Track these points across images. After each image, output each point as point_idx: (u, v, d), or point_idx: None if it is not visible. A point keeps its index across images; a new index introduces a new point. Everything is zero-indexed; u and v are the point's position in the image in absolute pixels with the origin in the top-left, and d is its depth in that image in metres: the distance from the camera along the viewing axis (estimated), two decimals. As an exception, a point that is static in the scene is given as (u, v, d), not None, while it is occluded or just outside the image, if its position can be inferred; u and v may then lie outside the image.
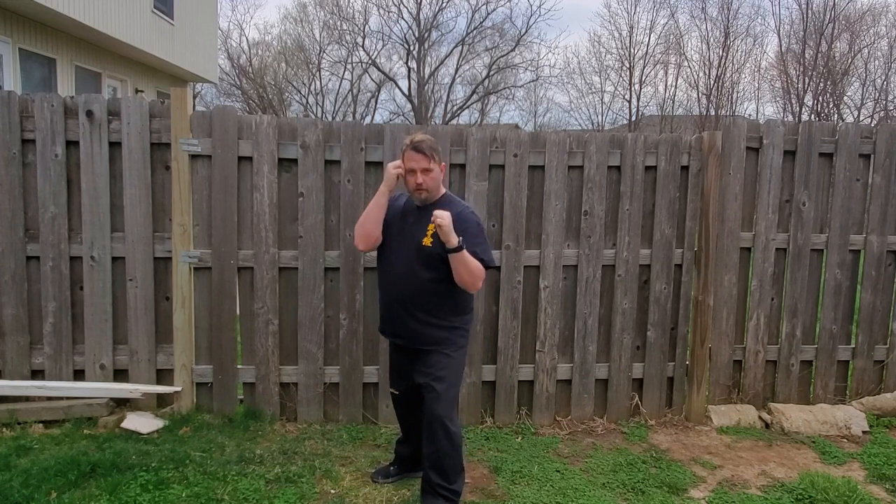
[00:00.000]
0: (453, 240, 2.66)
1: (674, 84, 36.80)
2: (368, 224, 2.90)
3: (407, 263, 2.83)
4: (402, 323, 2.91)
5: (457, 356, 2.93)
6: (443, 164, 2.92)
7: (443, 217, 2.64)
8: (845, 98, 24.72)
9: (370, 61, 28.98)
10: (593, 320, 4.05)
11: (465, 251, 2.69)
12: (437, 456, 2.87)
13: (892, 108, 23.60)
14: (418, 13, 28.63)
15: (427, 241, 2.79)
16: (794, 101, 25.05)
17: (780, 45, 26.82)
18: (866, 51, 24.08)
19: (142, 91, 13.60)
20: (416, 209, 2.90)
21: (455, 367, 2.92)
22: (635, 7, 40.80)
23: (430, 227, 2.75)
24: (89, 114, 3.65)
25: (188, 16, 14.47)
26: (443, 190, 2.95)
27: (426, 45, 29.06)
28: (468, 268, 2.72)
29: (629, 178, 3.99)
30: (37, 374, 3.76)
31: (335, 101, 29.89)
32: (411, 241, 2.83)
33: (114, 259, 3.75)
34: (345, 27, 28.98)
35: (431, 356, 2.88)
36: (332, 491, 3.11)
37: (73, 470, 3.05)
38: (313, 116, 25.55)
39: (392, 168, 2.83)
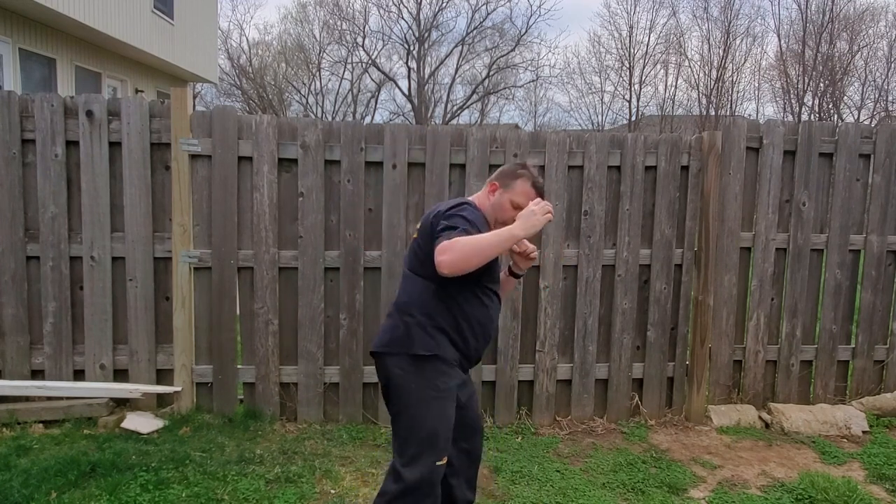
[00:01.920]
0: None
1: (674, 84, 36.83)
2: (479, 261, 2.14)
3: (497, 290, 2.48)
4: (482, 351, 2.48)
5: None
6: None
7: (530, 246, 2.43)
8: (845, 98, 24.74)
9: (370, 61, 29.01)
10: (593, 320, 4.05)
11: None
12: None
13: (892, 108, 23.60)
14: (418, 13, 28.66)
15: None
16: (794, 101, 25.07)
17: (780, 45, 26.84)
18: (866, 51, 24.10)
19: (142, 91, 13.60)
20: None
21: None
22: (635, 7, 40.90)
23: None
24: (89, 114, 3.65)
25: (188, 16, 14.47)
26: None
27: (426, 45, 29.09)
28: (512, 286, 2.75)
29: (629, 178, 3.99)
30: (37, 374, 3.76)
31: (335, 101, 29.92)
32: (498, 266, 2.46)
33: (114, 259, 3.75)
34: (345, 27, 29.03)
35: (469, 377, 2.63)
36: (332, 491, 3.11)
37: (73, 470, 3.05)
38: (313, 116, 25.55)
39: (542, 211, 2.20)
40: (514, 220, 2.23)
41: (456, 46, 28.98)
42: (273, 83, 29.36)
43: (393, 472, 2.28)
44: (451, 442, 2.34)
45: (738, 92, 27.25)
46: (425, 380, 2.28)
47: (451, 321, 2.31)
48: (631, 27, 28.22)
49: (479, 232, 2.20)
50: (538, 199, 2.25)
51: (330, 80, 30.24)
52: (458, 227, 2.17)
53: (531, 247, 2.42)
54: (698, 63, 27.45)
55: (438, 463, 2.27)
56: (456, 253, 2.09)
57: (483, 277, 2.32)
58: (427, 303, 2.31)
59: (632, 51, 28.05)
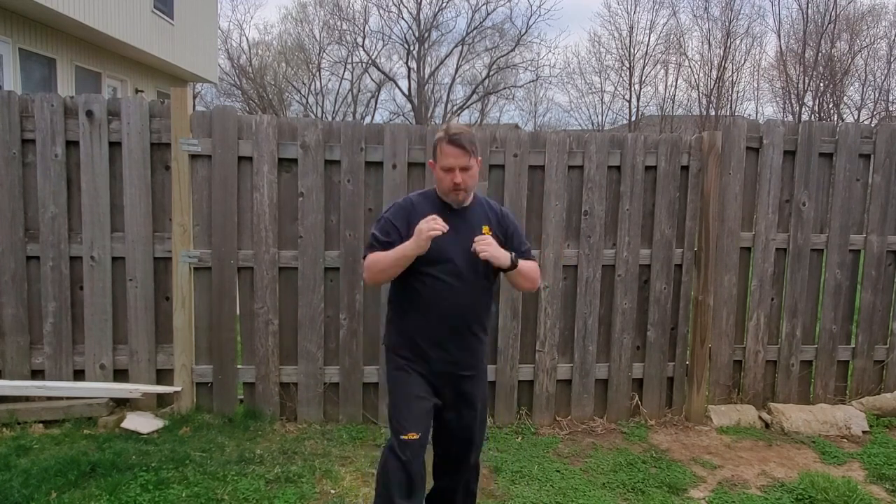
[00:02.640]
0: (506, 260, 2.37)
1: (674, 84, 36.84)
2: (384, 276, 2.44)
3: (464, 277, 2.41)
4: (452, 343, 2.46)
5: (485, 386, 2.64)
6: (479, 158, 2.50)
7: (485, 249, 2.31)
8: (845, 98, 24.75)
9: (370, 61, 29.00)
10: (593, 320, 4.05)
11: (520, 262, 2.42)
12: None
13: (892, 108, 23.61)
14: (418, 13, 28.65)
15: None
16: (793, 101, 25.07)
17: (780, 45, 26.84)
18: (866, 51, 24.10)
19: (142, 91, 13.60)
20: (449, 212, 2.42)
21: (485, 401, 2.64)
22: (635, 7, 40.77)
23: (486, 229, 2.44)
24: (89, 114, 3.65)
25: (188, 16, 14.47)
26: None
27: (426, 45, 29.08)
28: (527, 276, 2.48)
29: (629, 178, 3.99)
30: (37, 374, 3.76)
31: (335, 101, 29.91)
32: (463, 249, 2.38)
33: (114, 259, 3.75)
34: (345, 27, 29.02)
35: (468, 388, 2.52)
36: (332, 491, 3.11)
37: (73, 470, 3.05)
38: (313, 116, 25.56)
39: (427, 229, 2.25)
40: (454, 186, 2.36)
41: (456, 46, 29.00)
42: (273, 83, 29.36)
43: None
44: (417, 420, 2.40)
45: (738, 92, 27.28)
46: (387, 370, 2.57)
47: (399, 311, 2.52)
48: (631, 27, 28.24)
49: (389, 237, 2.41)
50: (428, 217, 2.28)
51: (330, 80, 30.27)
52: (369, 244, 2.49)
53: (476, 246, 2.34)
54: (698, 63, 27.47)
55: (403, 437, 2.35)
56: (366, 273, 2.49)
57: (420, 266, 2.38)
58: (390, 300, 2.60)
59: (632, 51, 28.07)
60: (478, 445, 2.62)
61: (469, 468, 2.63)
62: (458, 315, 2.44)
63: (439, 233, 2.25)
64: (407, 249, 2.31)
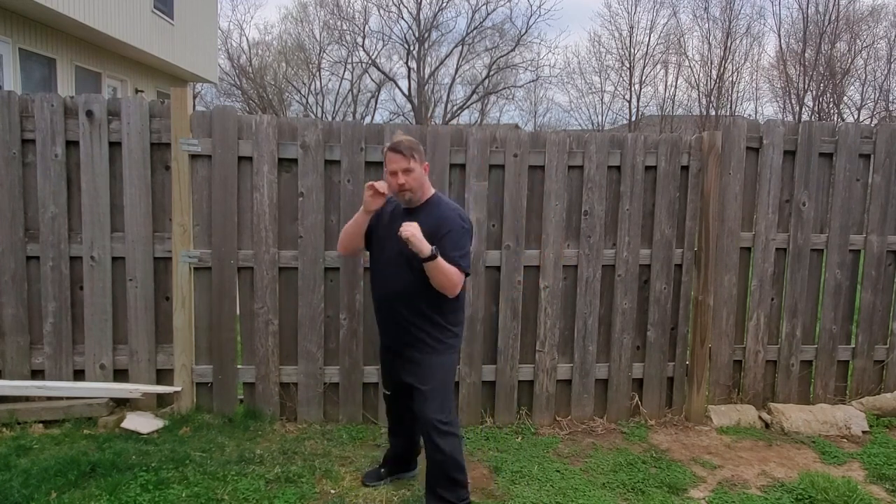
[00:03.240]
0: (425, 250, 2.62)
1: (674, 84, 36.84)
2: (345, 238, 3.04)
3: (394, 265, 2.82)
4: (390, 323, 2.93)
5: (445, 358, 2.88)
6: (426, 163, 2.88)
7: (408, 230, 2.61)
8: (845, 98, 24.75)
9: (370, 61, 29.01)
10: (593, 320, 4.05)
11: (439, 259, 2.65)
12: (432, 463, 2.87)
13: (892, 108, 23.61)
14: (418, 13, 28.66)
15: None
16: (793, 101, 25.07)
17: (780, 45, 26.84)
18: (866, 51, 24.10)
19: (142, 91, 13.60)
20: (404, 213, 2.84)
21: (442, 368, 2.87)
22: (635, 7, 40.86)
23: (416, 225, 2.72)
24: (89, 114, 3.65)
25: (188, 16, 14.47)
26: (431, 191, 2.91)
27: (426, 45, 29.09)
28: (444, 274, 2.69)
29: (629, 178, 3.99)
30: (37, 374, 3.76)
31: (335, 101, 29.92)
32: (400, 244, 2.70)
33: (114, 259, 3.75)
34: (345, 27, 29.03)
35: (416, 356, 2.86)
36: (332, 491, 3.11)
37: (73, 470, 3.05)
38: (313, 116, 25.55)
39: (369, 194, 2.81)
40: (399, 187, 2.78)
41: (456, 46, 29.00)
42: (273, 83, 29.37)
43: None
44: (388, 380, 3.12)
45: (738, 92, 27.27)
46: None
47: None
48: (631, 27, 28.25)
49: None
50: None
51: (330, 80, 30.28)
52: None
53: (401, 229, 2.64)
54: (698, 63, 27.47)
55: (384, 391, 3.20)
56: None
57: (371, 251, 3.01)
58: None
59: (632, 51, 28.08)
60: (431, 399, 2.84)
61: (425, 421, 2.84)
62: (393, 300, 2.86)
63: (377, 185, 2.79)
64: (359, 210, 2.92)
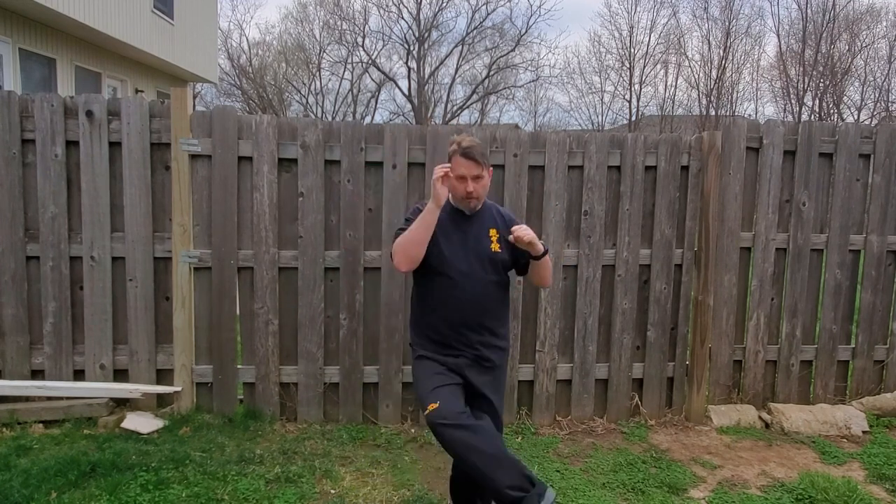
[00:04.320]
0: (540, 246, 2.60)
1: (674, 84, 36.83)
2: (417, 248, 2.54)
3: (477, 273, 2.62)
4: (464, 336, 2.64)
5: (504, 373, 2.82)
6: (490, 168, 2.73)
7: (526, 232, 2.55)
8: (845, 98, 24.74)
9: (370, 61, 29.01)
10: (593, 320, 4.05)
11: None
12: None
13: (892, 108, 23.60)
14: (418, 13, 28.65)
15: (496, 248, 2.67)
16: (793, 102, 25.07)
17: (780, 46, 26.85)
18: (866, 51, 24.10)
19: (142, 91, 13.60)
20: (462, 216, 2.68)
21: (503, 386, 2.81)
22: (635, 7, 40.81)
23: (493, 231, 2.68)
24: (89, 114, 3.65)
25: (188, 16, 14.47)
26: None
27: (426, 45, 29.09)
28: (549, 268, 2.73)
29: (629, 178, 3.99)
30: (37, 374, 3.76)
31: (335, 101, 29.92)
32: (478, 248, 2.63)
33: (114, 259, 3.75)
34: (345, 27, 29.02)
35: (493, 372, 2.68)
36: (332, 491, 3.11)
37: (73, 470, 3.05)
38: (313, 116, 25.55)
39: (440, 183, 2.47)
40: (467, 194, 2.58)
41: (456, 46, 29.01)
42: (273, 83, 29.37)
43: None
44: (436, 395, 2.54)
45: (738, 92, 27.27)
46: (413, 363, 2.74)
47: (414, 311, 2.78)
48: (631, 27, 28.24)
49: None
50: (438, 167, 2.50)
51: (330, 80, 30.29)
52: (397, 233, 2.64)
53: (517, 233, 2.56)
54: (698, 63, 27.49)
55: (430, 406, 2.51)
56: (395, 254, 2.58)
57: (433, 261, 2.59)
58: (411, 300, 2.80)
59: (632, 51, 28.07)
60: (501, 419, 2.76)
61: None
62: (467, 311, 2.62)
63: (444, 170, 2.48)
64: (429, 204, 2.50)
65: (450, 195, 2.65)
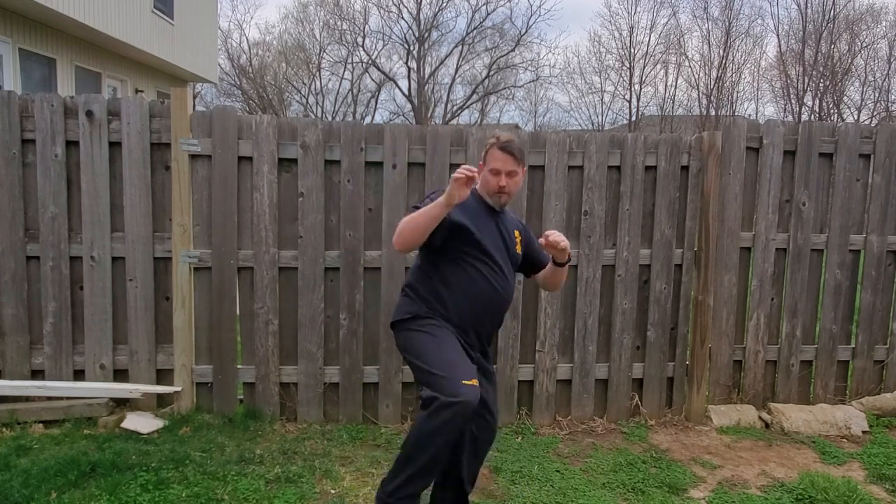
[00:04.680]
0: (567, 254, 2.64)
1: (674, 84, 36.80)
2: (416, 234, 2.40)
3: (506, 270, 2.63)
4: (483, 330, 2.65)
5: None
6: (525, 168, 2.70)
7: (560, 236, 2.55)
8: (845, 98, 24.74)
9: (370, 61, 29.00)
10: (593, 320, 4.05)
11: None
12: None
13: (892, 108, 23.60)
14: (418, 13, 28.65)
15: (519, 249, 2.73)
16: (794, 102, 25.06)
17: (780, 46, 26.85)
18: (866, 51, 24.09)
19: (142, 91, 13.60)
20: (489, 211, 2.64)
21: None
22: (635, 7, 40.79)
23: (517, 234, 2.73)
24: (89, 114, 3.65)
25: (188, 16, 14.47)
26: None
27: (426, 45, 29.09)
28: (567, 272, 2.80)
29: (629, 178, 3.99)
30: (37, 374, 3.76)
31: (335, 101, 29.92)
32: (505, 245, 2.65)
33: (114, 259, 3.75)
34: (345, 27, 29.02)
35: (490, 377, 2.75)
36: (332, 491, 3.11)
37: (73, 470, 3.05)
38: (313, 116, 25.55)
39: (461, 184, 2.25)
40: (499, 188, 2.57)
41: (456, 46, 29.00)
42: (273, 83, 29.36)
43: (420, 402, 2.41)
44: (470, 368, 2.41)
45: (738, 92, 27.26)
46: (411, 330, 2.55)
47: (431, 288, 2.57)
48: (631, 27, 28.24)
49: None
50: (462, 167, 2.30)
51: (330, 80, 30.28)
52: (410, 210, 2.52)
53: (553, 238, 2.54)
54: (698, 63, 27.48)
55: (465, 381, 2.30)
56: (397, 234, 2.45)
57: (467, 247, 2.52)
58: (414, 274, 2.66)
59: (632, 51, 28.07)
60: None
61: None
62: (492, 307, 2.59)
63: (471, 174, 2.25)
64: (442, 198, 2.30)
65: (476, 185, 2.53)
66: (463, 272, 2.53)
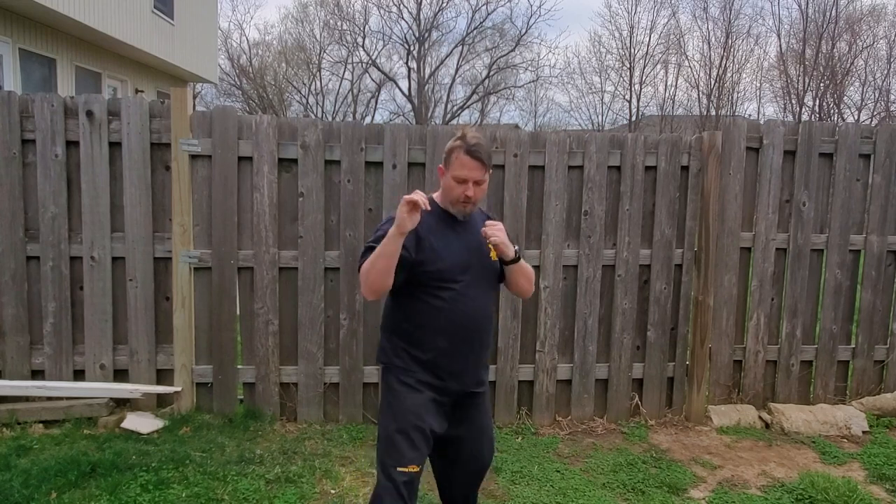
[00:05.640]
0: (511, 251, 2.26)
1: (674, 84, 36.80)
2: (380, 278, 2.15)
3: (475, 285, 2.31)
4: (466, 363, 2.34)
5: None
6: (491, 171, 2.37)
7: (496, 230, 2.22)
8: (845, 98, 24.73)
9: (370, 61, 28.99)
10: (593, 320, 4.05)
11: (521, 259, 2.34)
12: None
13: (892, 108, 23.60)
14: (418, 13, 28.63)
15: (494, 256, 2.33)
16: (794, 102, 25.05)
17: (780, 46, 26.83)
18: (866, 52, 24.08)
19: (142, 91, 13.59)
20: (452, 222, 2.32)
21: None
22: (636, 7, 40.73)
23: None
24: (89, 114, 3.65)
25: (188, 16, 14.47)
26: None
27: (426, 45, 29.07)
28: (526, 273, 2.37)
29: (629, 178, 3.99)
30: (37, 374, 3.76)
31: (335, 101, 29.90)
32: (478, 257, 2.31)
33: (114, 259, 3.75)
34: (345, 27, 29.00)
35: (480, 397, 2.43)
36: (332, 491, 3.11)
37: (73, 470, 3.05)
38: (313, 116, 25.55)
39: (407, 210, 2.05)
40: (465, 199, 2.23)
41: (456, 46, 28.96)
42: (273, 83, 29.35)
43: None
44: (419, 451, 2.22)
45: (738, 92, 27.25)
46: (385, 381, 2.36)
47: (399, 328, 2.34)
48: (631, 27, 28.22)
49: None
50: (413, 194, 2.08)
51: (330, 80, 30.26)
52: (361, 255, 2.26)
53: (485, 230, 2.24)
54: (699, 63, 27.45)
55: (400, 469, 2.16)
56: (362, 284, 2.21)
57: (429, 278, 2.24)
58: (387, 316, 2.41)
59: (632, 51, 28.05)
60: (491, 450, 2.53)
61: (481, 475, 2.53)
62: (465, 334, 2.30)
63: (417, 199, 2.04)
64: (392, 229, 2.08)
65: (434, 196, 2.34)
66: (425, 305, 2.27)
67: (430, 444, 2.28)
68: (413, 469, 2.18)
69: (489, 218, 2.39)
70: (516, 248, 2.32)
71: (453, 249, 2.27)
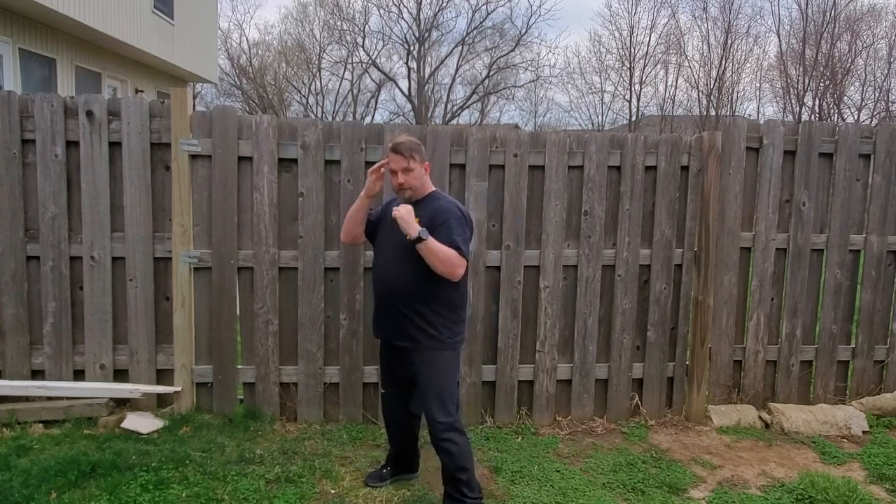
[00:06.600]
0: (412, 232, 2.73)
1: (674, 84, 36.76)
2: (348, 224, 3.13)
3: (394, 259, 2.90)
4: (389, 318, 2.94)
5: (445, 356, 2.90)
6: (426, 163, 2.98)
7: (398, 210, 2.78)
8: (845, 98, 24.72)
9: (370, 61, 28.99)
10: (593, 320, 4.05)
11: (430, 241, 2.73)
12: (442, 465, 2.91)
13: (892, 108, 23.60)
14: (418, 13, 28.63)
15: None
16: (794, 102, 25.05)
17: (780, 46, 26.84)
18: (866, 52, 24.08)
19: (142, 91, 13.59)
20: (415, 207, 2.91)
21: (443, 367, 2.88)
22: (636, 7, 40.71)
23: (415, 220, 2.83)
24: (89, 114, 3.65)
25: (188, 16, 14.47)
26: (432, 187, 3.00)
27: (426, 45, 29.06)
28: (438, 256, 2.75)
29: (629, 178, 3.99)
30: (37, 374, 3.76)
31: (335, 101, 29.91)
32: (399, 237, 2.82)
33: (114, 259, 3.75)
34: (345, 27, 29.00)
35: (416, 355, 2.89)
36: (332, 491, 3.11)
37: (73, 470, 3.05)
38: (313, 116, 25.55)
39: (372, 179, 2.99)
40: (398, 185, 2.90)
41: (456, 46, 28.96)
42: (273, 83, 29.35)
43: None
44: (386, 379, 3.16)
45: (738, 92, 27.24)
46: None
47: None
48: (631, 27, 28.22)
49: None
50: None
51: (330, 80, 30.25)
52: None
53: (394, 212, 2.80)
54: (698, 63, 27.45)
55: (381, 390, 3.28)
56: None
57: (372, 242, 3.14)
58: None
59: (632, 51, 28.05)
60: (432, 400, 2.88)
61: (429, 422, 2.90)
62: (392, 295, 2.90)
63: (378, 169, 2.98)
64: (361, 194, 3.07)
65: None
66: (373, 272, 3.09)
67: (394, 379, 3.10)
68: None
69: (436, 207, 2.89)
70: (421, 230, 2.74)
71: (386, 229, 2.99)
